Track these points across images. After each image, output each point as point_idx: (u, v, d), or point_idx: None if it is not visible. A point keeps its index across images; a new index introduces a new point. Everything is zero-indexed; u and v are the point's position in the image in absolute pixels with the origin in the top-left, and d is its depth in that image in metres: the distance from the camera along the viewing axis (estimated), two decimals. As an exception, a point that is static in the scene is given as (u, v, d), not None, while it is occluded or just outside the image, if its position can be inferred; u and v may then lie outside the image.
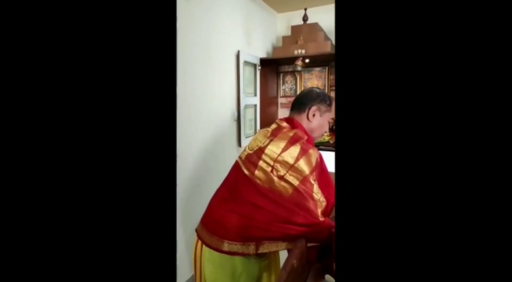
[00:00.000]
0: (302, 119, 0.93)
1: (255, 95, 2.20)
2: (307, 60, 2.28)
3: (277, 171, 0.80)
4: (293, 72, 2.58)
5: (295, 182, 0.78)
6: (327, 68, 2.41)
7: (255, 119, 2.23)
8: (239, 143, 2.02)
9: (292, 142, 0.83)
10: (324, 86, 2.47)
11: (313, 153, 0.84)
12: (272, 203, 0.78)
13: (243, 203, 0.82)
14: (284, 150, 0.81)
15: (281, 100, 2.71)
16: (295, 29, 2.19)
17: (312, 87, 1.01)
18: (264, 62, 2.24)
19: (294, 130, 0.88)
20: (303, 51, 2.07)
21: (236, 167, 0.92)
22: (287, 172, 0.79)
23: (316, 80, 2.50)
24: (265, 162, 0.82)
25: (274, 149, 0.83)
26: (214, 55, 1.69)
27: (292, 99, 2.70)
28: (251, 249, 0.78)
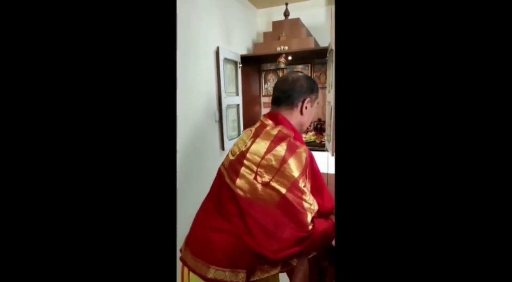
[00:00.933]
0: (292, 113, 0.80)
1: (237, 94, 2.08)
2: (290, 58, 2.20)
3: (261, 177, 0.68)
4: (275, 70, 2.49)
5: (283, 190, 0.67)
6: (310, 65, 2.35)
7: (238, 120, 2.11)
8: (222, 146, 1.89)
9: (276, 141, 0.72)
10: (308, 84, 2.40)
11: (302, 152, 0.71)
12: (252, 218, 0.67)
13: (229, 219, 0.69)
14: (268, 151, 0.70)
15: (264, 99, 2.61)
16: (276, 24, 2.10)
17: (297, 73, 0.84)
18: (245, 59, 2.12)
19: (278, 128, 0.75)
20: (286, 47, 1.98)
21: (219, 176, 0.80)
22: (273, 177, 0.68)
23: (299, 78, 2.43)
24: (247, 168, 0.71)
25: (256, 151, 0.72)
26: (192, 52, 1.55)
27: (275, 98, 2.62)
28: (241, 277, 0.65)
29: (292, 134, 0.75)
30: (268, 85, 2.56)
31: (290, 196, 0.67)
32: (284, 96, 0.81)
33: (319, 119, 2.38)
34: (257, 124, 0.82)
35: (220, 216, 0.72)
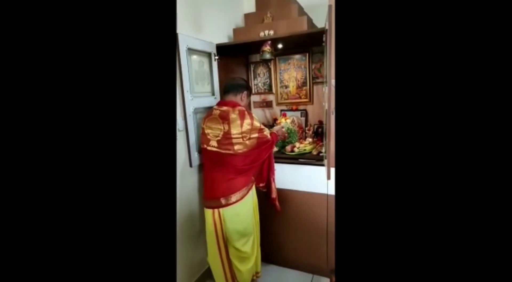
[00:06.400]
0: (236, 99, 1.37)
1: (213, 94, 1.66)
2: (280, 45, 1.74)
3: (245, 137, 1.28)
4: (265, 62, 2.04)
5: (256, 135, 1.31)
6: (307, 54, 1.87)
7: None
8: (189, 162, 1.49)
9: (241, 117, 1.28)
10: (305, 78, 1.93)
11: (252, 113, 1.37)
12: (250, 157, 1.33)
13: (237, 169, 1.32)
14: (241, 125, 1.27)
15: (253, 98, 2.16)
16: (260, 3, 1.64)
17: (239, 78, 1.48)
18: (225, 50, 1.69)
19: (236, 109, 1.30)
20: (272, 32, 1.52)
21: (213, 153, 1.29)
22: (250, 132, 1.29)
23: (295, 71, 1.95)
24: (236, 138, 1.27)
25: (235, 130, 1.26)
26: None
27: (266, 96, 2.18)
28: (246, 189, 1.36)
29: (243, 108, 1.33)
30: (258, 80, 2.11)
31: (259, 134, 1.32)
32: (231, 88, 1.37)
33: (320, 122, 1.92)
34: (217, 112, 1.31)
35: (232, 171, 1.30)
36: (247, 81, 1.42)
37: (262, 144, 1.33)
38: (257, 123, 1.31)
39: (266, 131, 1.36)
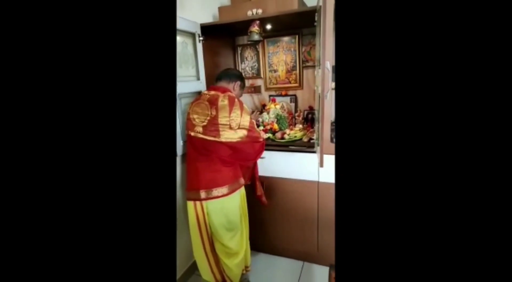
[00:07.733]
0: (228, 86, 1.31)
1: (198, 78, 1.56)
2: (268, 26, 1.64)
3: (232, 125, 1.17)
4: (253, 45, 1.93)
5: (247, 125, 1.21)
6: (297, 37, 1.79)
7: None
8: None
9: (231, 104, 1.18)
10: (295, 62, 1.85)
11: (245, 105, 1.24)
12: (237, 150, 1.22)
13: (224, 160, 1.23)
14: (230, 112, 1.17)
15: (241, 83, 2.07)
16: (248, -21, 1.53)
17: (230, 68, 1.46)
18: (208, 30, 1.57)
19: (226, 94, 1.22)
20: (260, 11, 1.42)
21: (198, 140, 1.19)
22: (240, 121, 1.19)
23: (284, 54, 1.86)
24: (223, 125, 1.17)
25: (223, 116, 1.16)
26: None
27: (255, 80, 2.09)
28: (231, 188, 1.25)
29: (233, 95, 1.25)
30: (246, 64, 2.01)
31: (251, 126, 1.22)
32: (225, 76, 1.32)
33: (311, 108, 1.86)
34: (207, 97, 1.22)
35: (217, 161, 1.21)
36: (242, 74, 1.39)
37: (252, 139, 1.23)
38: (247, 118, 1.21)
39: (257, 130, 1.28)
